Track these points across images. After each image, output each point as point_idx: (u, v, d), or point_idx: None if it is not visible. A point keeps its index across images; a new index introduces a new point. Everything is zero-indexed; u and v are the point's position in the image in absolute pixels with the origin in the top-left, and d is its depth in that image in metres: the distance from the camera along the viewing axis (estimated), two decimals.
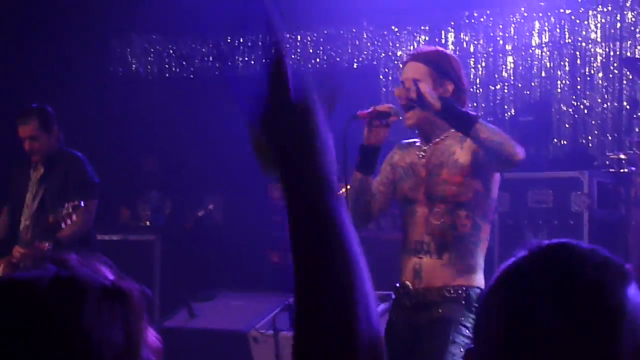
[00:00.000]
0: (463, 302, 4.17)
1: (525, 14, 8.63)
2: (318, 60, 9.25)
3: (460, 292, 4.20)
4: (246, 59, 9.54)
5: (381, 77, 9.03)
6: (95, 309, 1.34)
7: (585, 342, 1.37)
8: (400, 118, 4.33)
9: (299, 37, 9.22)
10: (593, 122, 8.28)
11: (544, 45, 8.58)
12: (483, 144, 4.11)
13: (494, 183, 4.34)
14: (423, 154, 4.38)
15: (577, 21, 8.40)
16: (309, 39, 9.25)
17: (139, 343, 1.36)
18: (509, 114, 8.57)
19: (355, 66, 9.18)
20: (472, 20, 8.84)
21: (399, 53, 8.91)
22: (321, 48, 9.27)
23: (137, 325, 1.37)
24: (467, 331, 4.06)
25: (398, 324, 4.32)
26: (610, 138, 8.11)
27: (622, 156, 7.11)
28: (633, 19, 8.20)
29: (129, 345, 1.35)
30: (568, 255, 1.45)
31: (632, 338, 1.39)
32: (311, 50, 9.19)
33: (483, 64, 8.71)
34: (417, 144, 4.46)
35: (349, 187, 4.32)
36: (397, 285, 4.35)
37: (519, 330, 1.40)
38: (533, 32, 8.61)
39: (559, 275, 1.42)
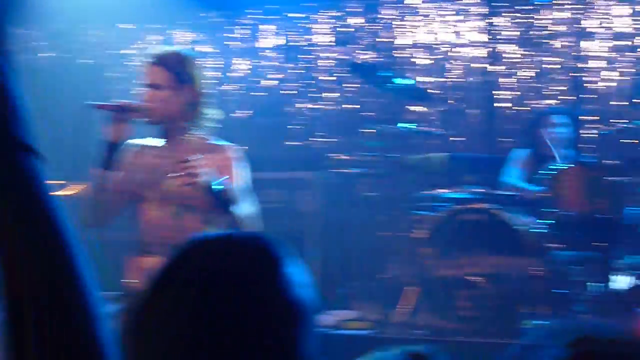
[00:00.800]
0: None
1: (257, 16, 8.72)
2: (43, 55, 8.98)
3: None
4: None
5: (106, 74, 8.82)
6: None
7: (238, 329, 1.43)
8: (144, 115, 4.26)
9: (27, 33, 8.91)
10: (323, 124, 8.46)
11: (275, 47, 8.69)
12: (235, 222, 4.17)
13: None
14: (162, 153, 4.35)
15: (309, 25, 8.56)
16: (38, 36, 8.96)
17: None
18: (242, 114, 8.62)
19: (79, 62, 8.93)
20: (205, 20, 8.84)
21: (123, 51, 8.80)
22: (48, 44, 9.00)
23: None
24: None
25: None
26: (339, 140, 8.30)
27: (350, 157, 7.33)
28: (363, 25, 8.45)
29: None
30: (215, 247, 1.53)
31: (280, 323, 1.47)
32: (37, 47, 8.90)
33: (215, 64, 8.71)
34: (154, 142, 4.42)
35: (89, 184, 4.20)
36: (125, 285, 4.28)
37: (179, 320, 1.46)
38: (266, 34, 8.72)
39: (205, 268, 1.49)
